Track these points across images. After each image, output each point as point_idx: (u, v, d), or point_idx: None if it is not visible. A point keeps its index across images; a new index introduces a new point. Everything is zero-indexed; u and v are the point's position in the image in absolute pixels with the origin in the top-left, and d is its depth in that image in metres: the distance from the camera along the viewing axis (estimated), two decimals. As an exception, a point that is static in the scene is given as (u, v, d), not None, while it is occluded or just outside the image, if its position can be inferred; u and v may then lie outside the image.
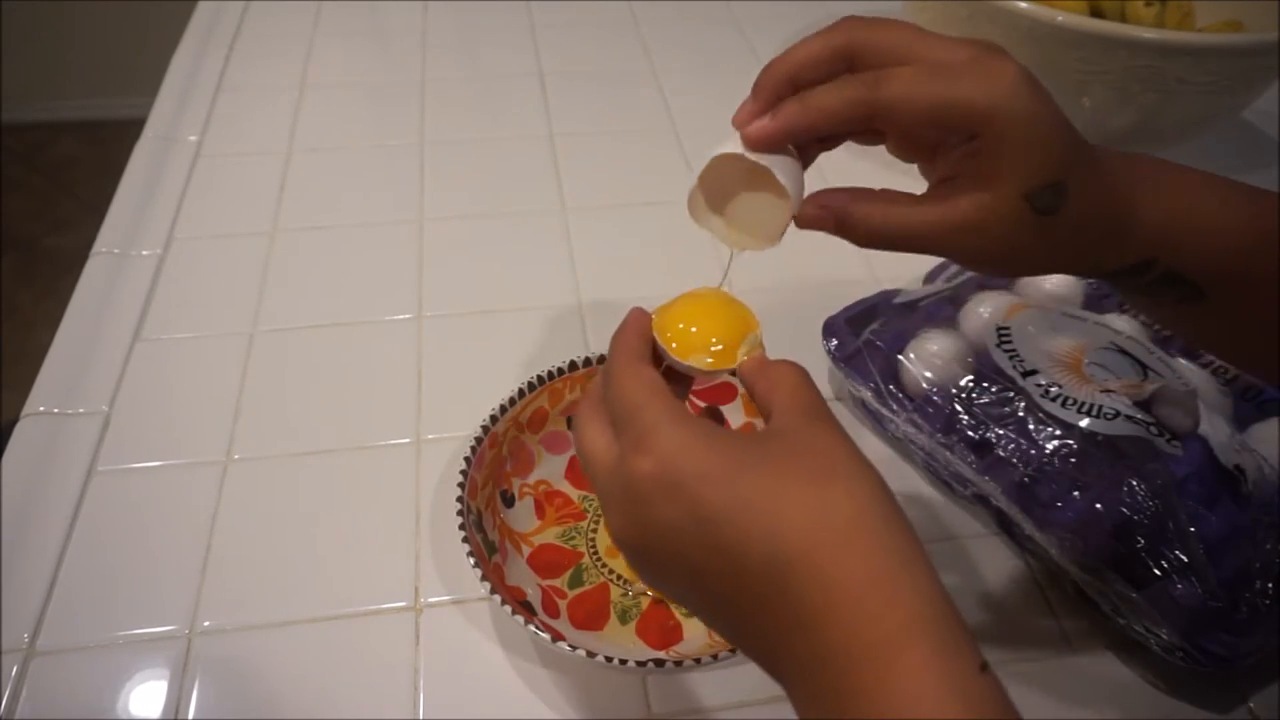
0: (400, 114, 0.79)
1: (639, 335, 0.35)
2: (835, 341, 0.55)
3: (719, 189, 0.36)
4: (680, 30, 0.92)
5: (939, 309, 0.55)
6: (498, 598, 0.40)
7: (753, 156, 0.33)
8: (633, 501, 0.29)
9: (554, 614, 0.45)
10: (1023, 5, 0.58)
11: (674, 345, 0.35)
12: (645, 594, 0.46)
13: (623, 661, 0.39)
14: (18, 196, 2.12)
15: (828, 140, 0.36)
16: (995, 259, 0.33)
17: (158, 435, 0.53)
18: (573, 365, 0.50)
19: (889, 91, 0.30)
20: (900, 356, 0.52)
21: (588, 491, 0.50)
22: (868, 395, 0.53)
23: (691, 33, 0.92)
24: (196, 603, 0.46)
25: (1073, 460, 0.46)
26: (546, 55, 0.88)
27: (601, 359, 0.51)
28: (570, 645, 0.39)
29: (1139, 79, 0.58)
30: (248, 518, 0.49)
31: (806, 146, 0.36)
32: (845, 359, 0.54)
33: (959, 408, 0.49)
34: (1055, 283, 0.56)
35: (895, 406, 0.51)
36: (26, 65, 2.21)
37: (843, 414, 0.56)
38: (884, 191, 0.33)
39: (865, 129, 0.34)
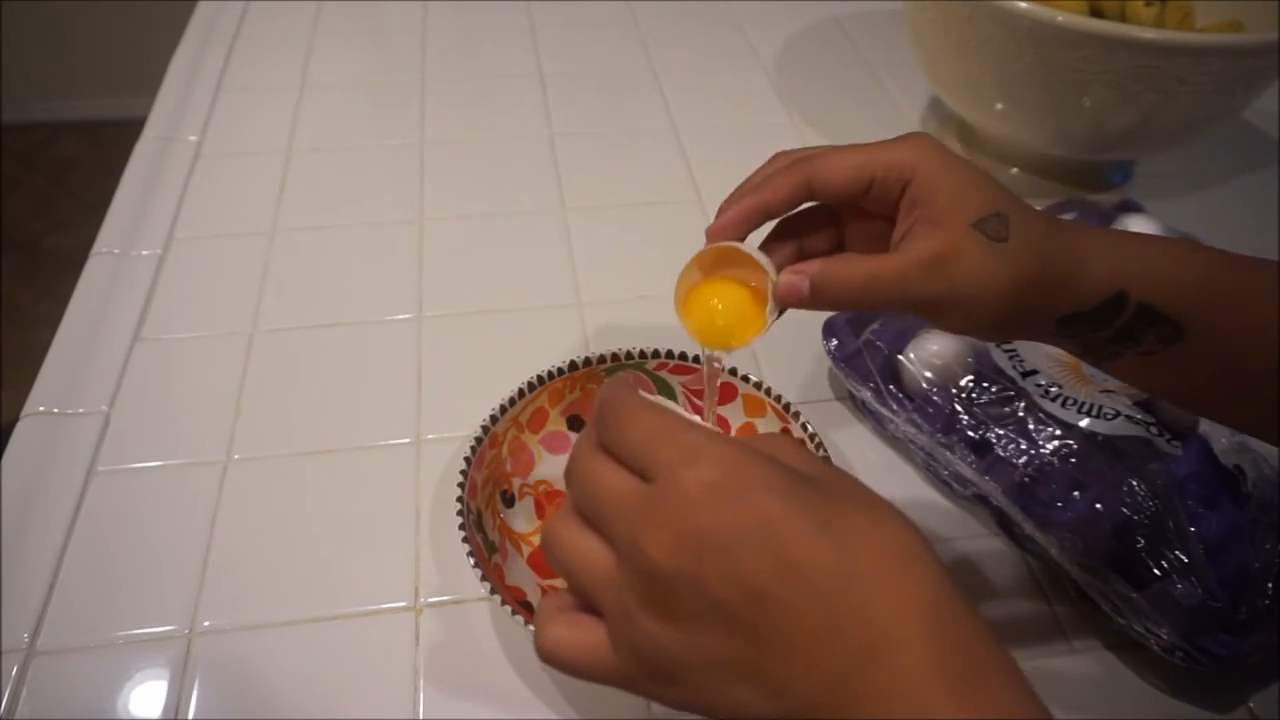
0: (400, 114, 0.79)
1: (630, 382, 0.32)
2: (835, 341, 0.54)
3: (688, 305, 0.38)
4: (680, 30, 0.92)
5: None
6: (498, 598, 0.40)
7: (728, 245, 0.36)
8: (683, 509, 0.26)
9: (554, 614, 0.45)
10: (1023, 5, 0.58)
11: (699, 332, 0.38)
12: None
13: (623, 661, 0.39)
14: (18, 196, 2.12)
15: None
16: (969, 300, 0.34)
17: (158, 435, 0.53)
18: (573, 365, 0.50)
19: (820, 159, 0.35)
20: (900, 356, 0.52)
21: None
22: (868, 395, 0.53)
23: (691, 33, 0.92)
24: (196, 603, 0.46)
25: (1073, 460, 0.46)
26: (546, 55, 0.88)
27: (601, 359, 0.51)
28: (570, 645, 0.39)
29: (1139, 79, 0.58)
30: (248, 518, 0.49)
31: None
32: (845, 359, 0.54)
33: (959, 408, 0.49)
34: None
35: (895, 406, 0.51)
36: (26, 65, 2.21)
37: (842, 414, 0.56)
38: (853, 253, 0.36)
39: (807, 200, 0.36)
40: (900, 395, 0.51)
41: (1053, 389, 0.48)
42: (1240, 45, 0.58)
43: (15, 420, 0.53)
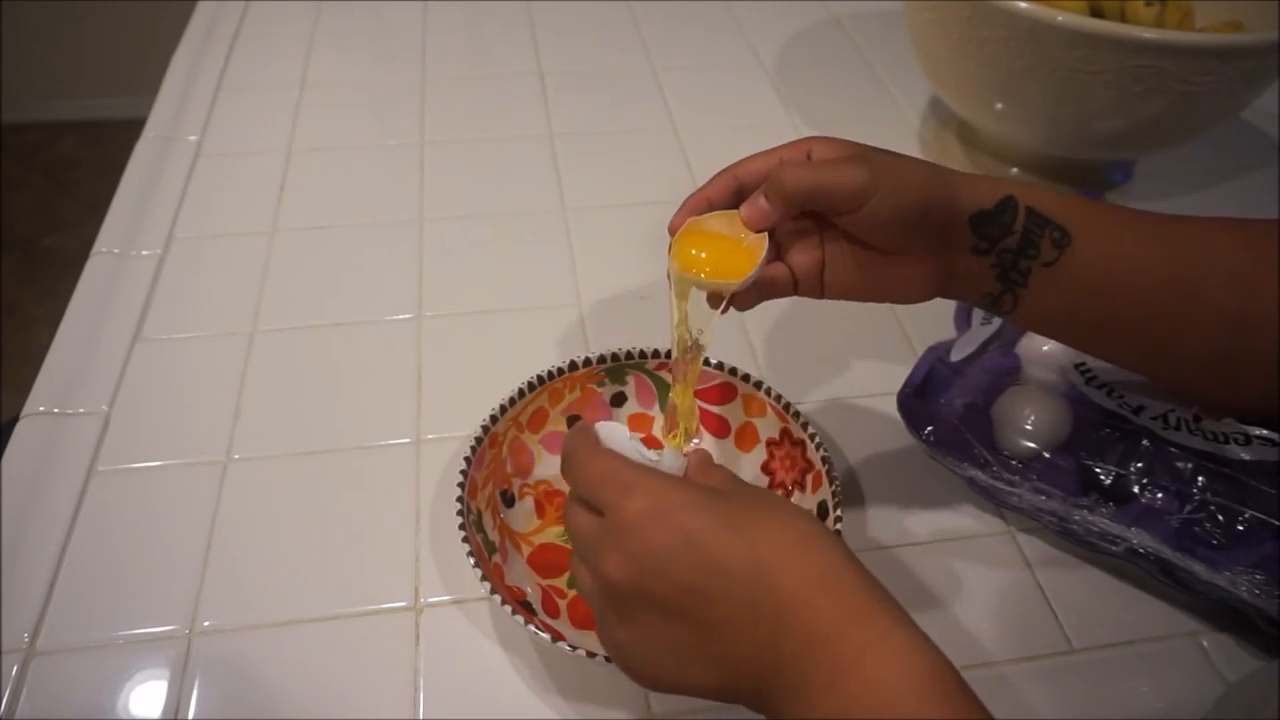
0: (400, 114, 0.79)
1: (588, 430, 0.39)
2: (930, 428, 0.49)
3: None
4: (680, 30, 0.92)
5: (1000, 360, 0.52)
6: (498, 598, 0.40)
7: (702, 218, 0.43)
8: (625, 535, 0.34)
9: (554, 614, 0.45)
10: (1023, 5, 0.58)
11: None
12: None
13: (623, 661, 0.39)
14: (18, 196, 2.12)
15: None
16: (891, 184, 0.39)
17: (158, 435, 0.53)
18: (573, 365, 0.50)
19: (742, 161, 0.44)
20: (996, 424, 0.49)
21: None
22: (976, 473, 0.49)
23: (691, 33, 0.92)
24: (196, 603, 0.46)
25: (1225, 490, 0.43)
26: (546, 55, 0.88)
27: (601, 359, 0.51)
28: (570, 645, 0.39)
29: (1139, 79, 0.58)
30: (248, 518, 0.49)
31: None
32: (941, 442, 0.49)
33: (1087, 461, 0.46)
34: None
35: (1015, 477, 0.47)
36: (26, 65, 2.21)
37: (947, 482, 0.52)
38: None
39: (738, 190, 0.43)
40: (1017, 464, 0.47)
41: (1170, 416, 0.45)
42: (1240, 45, 0.58)
43: (15, 420, 0.53)
